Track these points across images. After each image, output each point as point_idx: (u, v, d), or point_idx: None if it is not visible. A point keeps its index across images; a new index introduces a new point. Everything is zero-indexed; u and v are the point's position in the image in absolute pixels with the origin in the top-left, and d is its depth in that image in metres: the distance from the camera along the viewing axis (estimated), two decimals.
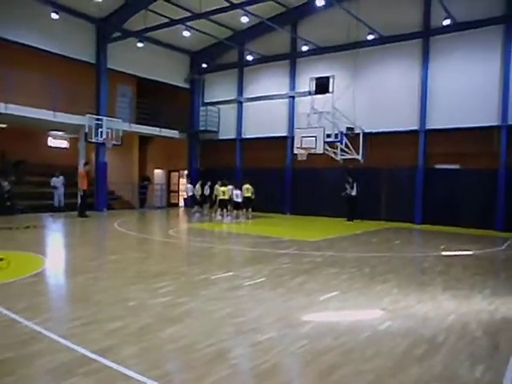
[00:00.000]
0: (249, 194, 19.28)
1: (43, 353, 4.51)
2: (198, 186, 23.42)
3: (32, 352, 4.52)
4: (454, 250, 12.38)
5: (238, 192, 19.47)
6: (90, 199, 22.68)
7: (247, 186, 19.49)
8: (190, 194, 23.82)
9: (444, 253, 11.95)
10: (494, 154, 18.23)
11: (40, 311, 5.95)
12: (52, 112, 20.26)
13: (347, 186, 20.24)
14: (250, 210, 19.93)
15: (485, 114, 18.25)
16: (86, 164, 20.61)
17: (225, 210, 20.36)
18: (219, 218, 20.02)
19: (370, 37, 20.40)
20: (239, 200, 19.34)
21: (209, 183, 23.36)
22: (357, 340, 5.10)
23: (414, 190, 20.03)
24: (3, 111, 18.47)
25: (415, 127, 20.02)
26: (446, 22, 18.52)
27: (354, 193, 20.20)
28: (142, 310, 6.06)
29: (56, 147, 26.39)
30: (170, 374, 4.19)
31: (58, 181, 20.73)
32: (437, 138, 19.57)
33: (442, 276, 8.82)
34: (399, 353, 4.74)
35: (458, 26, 18.63)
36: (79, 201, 20.34)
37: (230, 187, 20.09)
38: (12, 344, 4.71)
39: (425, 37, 19.79)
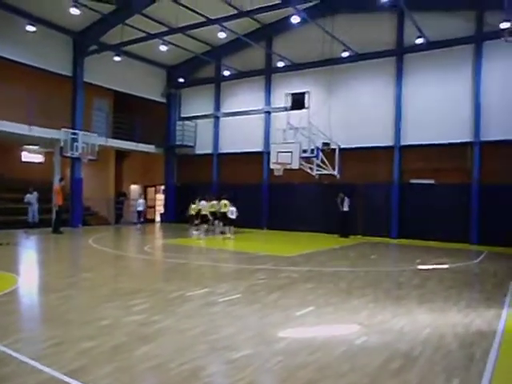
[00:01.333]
0: (226, 210, 19.13)
1: (11, 376, 4.37)
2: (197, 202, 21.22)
3: (0, 375, 4.37)
4: (430, 264, 12.52)
5: (234, 209, 19.18)
6: (66, 215, 22.30)
7: (225, 201, 19.35)
8: (141, 208, 24.26)
9: (420, 267, 12.07)
10: (468, 170, 18.58)
11: (10, 332, 5.77)
12: (27, 126, 19.94)
13: (338, 202, 20.32)
14: (226, 226, 19.72)
15: (458, 131, 18.64)
16: (61, 179, 20.30)
17: (205, 226, 20.34)
18: (196, 233, 19.92)
19: (345, 54, 20.72)
20: (233, 217, 19.08)
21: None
22: (332, 355, 5.09)
23: (389, 205, 20.25)
24: None
25: (390, 143, 20.31)
26: (419, 40, 18.95)
27: (345, 208, 20.30)
28: (116, 328, 5.94)
29: (30, 162, 25.98)
30: None
31: (31, 197, 20.24)
32: (411, 153, 19.88)
33: (418, 290, 8.89)
34: (375, 368, 4.74)
35: (430, 45, 19.09)
36: (54, 217, 19.97)
37: (225, 202, 19.60)
38: None
39: (398, 54, 20.19)
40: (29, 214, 20.23)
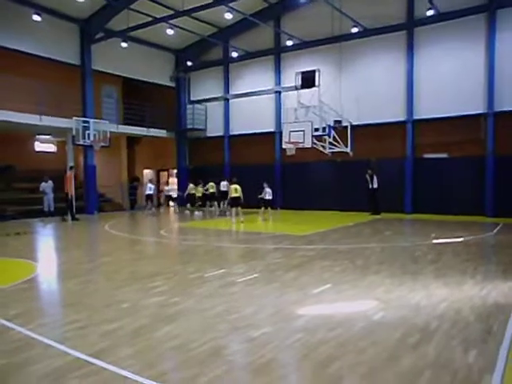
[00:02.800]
0: (237, 194, 18.86)
1: (37, 358, 4.49)
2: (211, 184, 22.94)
3: (26, 358, 4.49)
4: (445, 238, 12.48)
5: (270, 190, 19.15)
6: (80, 202, 22.60)
7: (235, 186, 19.06)
8: (150, 192, 23.62)
9: (435, 241, 12.05)
10: (482, 142, 18.39)
11: (33, 317, 5.92)
12: (38, 116, 20.10)
13: (368, 179, 20.00)
14: (239, 209, 19.61)
15: (471, 102, 18.39)
16: (71, 168, 20.36)
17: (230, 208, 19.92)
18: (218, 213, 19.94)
19: (355, 30, 20.45)
20: (270, 198, 19.11)
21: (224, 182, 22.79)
22: (351, 331, 5.13)
23: (403, 181, 20.15)
24: None
25: (402, 118, 20.13)
26: (430, 12, 18.66)
27: (375, 185, 19.94)
28: (137, 310, 6.05)
29: (43, 152, 26.19)
30: (166, 374, 4.19)
31: (46, 186, 20.40)
32: (424, 127, 19.70)
33: (434, 264, 8.90)
34: (393, 342, 4.78)
35: (441, 16, 18.77)
36: (69, 204, 20.05)
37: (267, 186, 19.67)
38: (5, 351, 4.69)
39: (409, 28, 19.87)
40: (44, 203, 20.43)
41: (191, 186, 23.44)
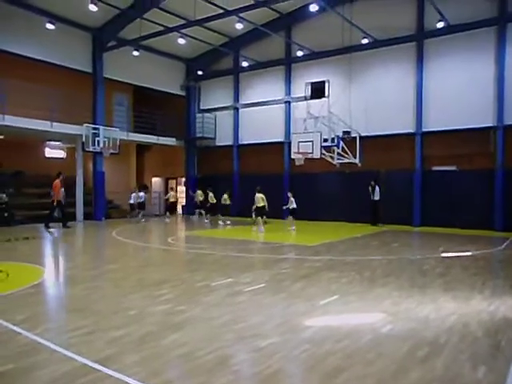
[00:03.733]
0: (264, 203, 18.59)
1: (44, 364, 4.50)
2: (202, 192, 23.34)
3: (33, 363, 4.50)
4: (453, 251, 12.39)
5: (293, 199, 19.02)
6: (88, 208, 22.79)
7: (262, 195, 18.73)
8: (132, 201, 23.47)
9: (443, 254, 11.97)
10: (491, 155, 18.31)
11: (40, 322, 5.93)
12: (49, 122, 20.27)
13: (370, 190, 20.16)
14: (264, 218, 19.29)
15: (480, 115, 18.34)
16: (59, 174, 19.18)
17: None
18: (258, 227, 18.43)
19: (365, 41, 20.52)
20: (294, 206, 18.93)
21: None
22: (359, 343, 5.10)
23: (411, 193, 20.07)
24: (0, 122, 18.46)
25: (411, 130, 20.09)
26: (440, 24, 18.68)
27: (376, 197, 20.17)
28: (143, 318, 6.05)
29: (53, 157, 26.36)
30: (172, 382, 4.18)
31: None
32: (433, 140, 19.65)
33: (442, 277, 8.83)
34: (401, 355, 4.74)
35: (451, 29, 18.79)
36: (57, 213, 19.36)
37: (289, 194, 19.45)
38: (12, 356, 4.69)
39: (419, 40, 19.90)
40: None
41: (199, 192, 23.39)
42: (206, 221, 22.30)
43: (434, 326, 5.73)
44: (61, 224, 18.93)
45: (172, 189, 26.25)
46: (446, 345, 5.04)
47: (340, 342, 5.09)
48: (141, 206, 23.40)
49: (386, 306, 6.68)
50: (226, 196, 21.98)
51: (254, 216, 20.39)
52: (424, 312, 6.37)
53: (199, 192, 23.14)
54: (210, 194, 22.48)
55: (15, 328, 5.55)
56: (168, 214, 24.48)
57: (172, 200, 24.85)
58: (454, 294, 7.43)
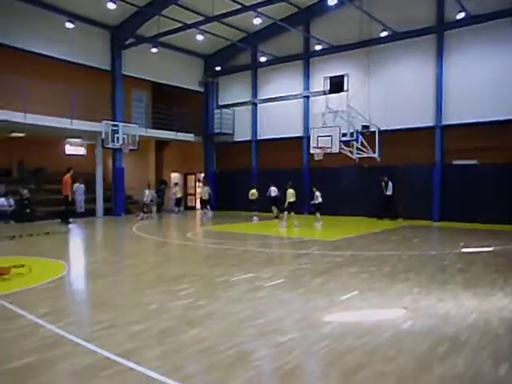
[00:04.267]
0: (293, 199, 18.55)
1: (67, 356, 4.58)
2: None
3: (55, 355, 4.59)
4: (474, 247, 12.23)
5: (319, 193, 18.84)
6: (108, 204, 23.04)
7: (292, 190, 18.62)
8: (147, 199, 22.67)
9: (464, 250, 11.82)
10: None
11: (62, 315, 6.04)
12: (69, 120, 20.50)
13: (383, 185, 20.21)
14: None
15: (502, 108, 17.98)
16: (69, 170, 19.08)
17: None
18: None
19: (384, 33, 20.28)
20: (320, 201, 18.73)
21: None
22: (379, 340, 5.07)
23: (431, 187, 19.84)
24: (22, 121, 18.75)
25: (431, 123, 19.85)
26: (460, 15, 18.36)
27: (389, 192, 20.15)
28: (163, 312, 6.11)
29: (73, 154, 26.66)
30: (193, 376, 4.21)
31: (80, 187, 21.16)
32: (453, 133, 19.37)
33: (463, 274, 8.72)
34: (422, 352, 4.70)
35: (472, 20, 18.42)
36: (65, 207, 19.12)
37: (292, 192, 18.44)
38: (35, 348, 4.79)
39: (439, 31, 19.59)
40: (76, 204, 20.98)
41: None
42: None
43: (455, 323, 5.67)
44: (60, 220, 18.87)
45: (177, 184, 26.33)
46: (467, 342, 4.99)
47: (360, 338, 5.07)
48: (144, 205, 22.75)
49: (407, 302, 6.63)
50: (253, 191, 21.97)
51: (275, 210, 20.82)
52: (444, 308, 6.31)
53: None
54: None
55: (38, 321, 5.67)
56: (177, 209, 24.46)
57: (179, 196, 24.88)
58: (475, 290, 7.34)
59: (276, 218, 20.78)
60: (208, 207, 23.10)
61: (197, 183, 30.53)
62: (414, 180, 20.27)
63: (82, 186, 21.43)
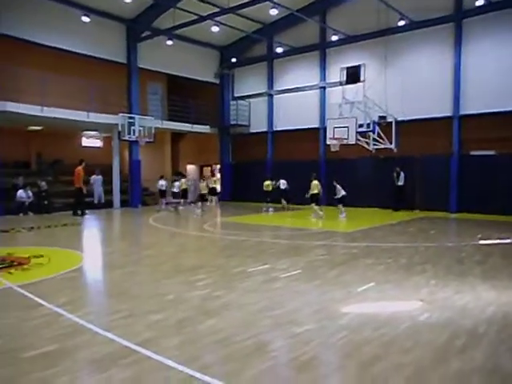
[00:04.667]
0: (317, 191, 18.19)
1: (86, 345, 4.67)
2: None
3: (75, 344, 4.67)
4: (492, 239, 12.09)
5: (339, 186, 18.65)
6: (125, 195, 23.24)
7: (317, 182, 18.65)
8: (163, 189, 22.60)
9: (481, 242, 11.69)
10: None
11: (81, 305, 6.15)
12: (86, 113, 20.67)
13: (394, 175, 20.11)
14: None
15: None
16: (81, 162, 19.19)
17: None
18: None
19: (401, 22, 19.95)
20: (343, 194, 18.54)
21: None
22: (396, 331, 5.06)
23: (448, 178, 19.60)
24: (40, 114, 18.96)
25: (449, 113, 19.57)
26: (480, 2, 17.99)
27: (400, 182, 20.05)
28: (180, 302, 6.17)
29: (90, 147, 26.89)
30: (210, 366, 4.24)
31: (97, 179, 21.42)
32: (471, 123, 19.06)
33: (481, 266, 8.63)
34: (439, 344, 4.69)
35: (491, 6, 18.04)
36: (76, 199, 19.20)
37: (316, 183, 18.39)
38: (56, 336, 4.88)
39: (457, 20, 19.22)
40: (94, 195, 21.28)
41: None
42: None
43: (473, 316, 5.63)
44: (72, 212, 18.98)
45: (184, 176, 25.55)
46: (485, 335, 4.95)
47: (377, 330, 5.06)
48: (163, 194, 22.64)
49: (424, 294, 6.59)
50: (267, 182, 22.00)
51: (283, 202, 21.22)
52: (462, 301, 6.26)
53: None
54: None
55: (58, 310, 5.77)
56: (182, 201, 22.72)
57: (184, 187, 22.78)
58: (493, 283, 7.26)
59: (283, 209, 21.22)
60: (212, 199, 23.17)
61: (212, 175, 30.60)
62: (431, 171, 20.04)
63: (100, 177, 21.80)
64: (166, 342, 4.73)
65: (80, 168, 18.76)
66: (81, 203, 19.08)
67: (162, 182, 22.82)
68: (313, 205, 18.03)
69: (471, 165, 19.10)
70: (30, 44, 19.37)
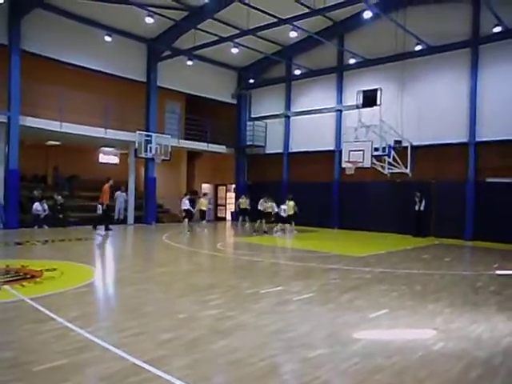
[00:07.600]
0: (293, 211, 19.47)
1: (96, 361, 4.65)
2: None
3: (85, 359, 4.66)
4: (509, 269, 11.88)
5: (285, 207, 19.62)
6: (139, 212, 23.35)
7: (292, 202, 19.64)
8: (185, 207, 20.18)
9: (498, 271, 11.49)
10: None
11: (92, 320, 6.14)
12: (103, 129, 20.97)
13: (416, 200, 20.02)
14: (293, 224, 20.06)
15: None
16: (108, 180, 19.38)
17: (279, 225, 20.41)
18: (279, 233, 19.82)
19: (418, 47, 20.07)
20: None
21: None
22: (409, 360, 4.97)
23: (464, 205, 19.41)
24: (58, 129, 19.29)
25: (465, 139, 19.47)
26: (497, 29, 18.02)
27: (422, 207, 19.95)
28: (193, 322, 6.13)
29: (106, 163, 27.18)
30: None
31: (121, 195, 21.69)
32: (488, 150, 18.93)
33: (497, 296, 8.46)
34: (454, 375, 4.59)
35: (509, 33, 18.02)
36: (100, 214, 19.21)
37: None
38: (66, 351, 4.87)
39: (474, 45, 19.26)
40: (115, 211, 21.53)
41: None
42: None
43: (488, 347, 5.51)
44: (103, 227, 19.08)
45: (206, 195, 23.91)
46: (500, 366, 4.84)
47: (390, 358, 4.97)
48: (188, 214, 20.33)
49: (438, 323, 6.48)
50: (243, 200, 22.75)
51: (260, 222, 20.55)
52: (477, 331, 6.13)
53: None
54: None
55: (69, 325, 5.77)
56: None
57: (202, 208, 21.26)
58: (509, 314, 7.11)
59: (255, 231, 20.30)
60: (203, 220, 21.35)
61: (227, 194, 30.66)
62: (446, 197, 19.88)
63: (124, 194, 22.16)
64: (177, 361, 4.69)
65: (107, 186, 19.04)
66: (106, 219, 19.30)
67: (187, 201, 20.21)
68: (287, 225, 19.24)
69: (487, 192, 18.91)
70: (51, 61, 19.83)
